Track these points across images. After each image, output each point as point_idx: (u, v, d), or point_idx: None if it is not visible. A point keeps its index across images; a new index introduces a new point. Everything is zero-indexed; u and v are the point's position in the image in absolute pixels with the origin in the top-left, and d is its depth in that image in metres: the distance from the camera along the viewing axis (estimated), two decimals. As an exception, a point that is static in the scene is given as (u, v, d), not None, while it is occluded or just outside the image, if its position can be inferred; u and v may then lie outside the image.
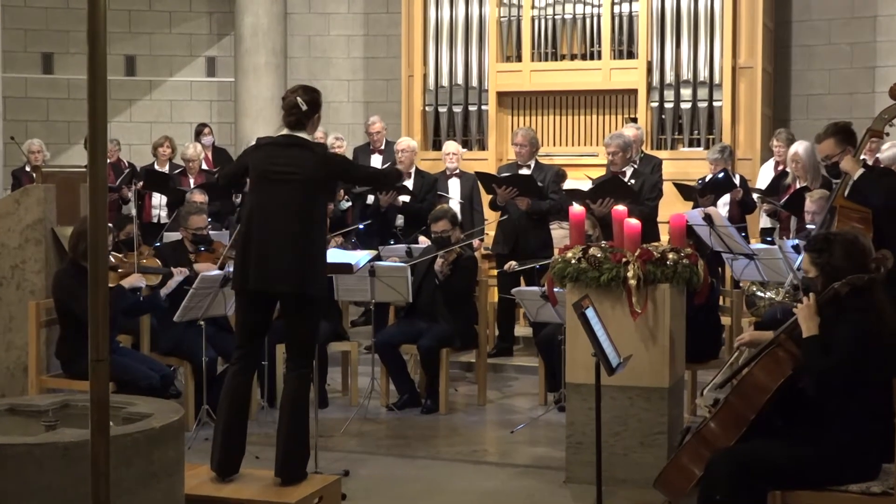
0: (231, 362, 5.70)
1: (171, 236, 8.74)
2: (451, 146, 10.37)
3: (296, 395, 5.53)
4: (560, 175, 10.39)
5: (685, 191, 9.67)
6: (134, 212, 9.34)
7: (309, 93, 5.64)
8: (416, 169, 10.11)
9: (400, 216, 9.86)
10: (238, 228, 5.80)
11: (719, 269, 9.00)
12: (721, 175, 9.67)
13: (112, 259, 7.08)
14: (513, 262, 8.87)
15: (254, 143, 5.90)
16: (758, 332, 5.04)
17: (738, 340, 5.01)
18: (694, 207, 9.23)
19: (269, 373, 7.48)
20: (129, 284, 6.91)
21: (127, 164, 12.20)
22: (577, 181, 10.64)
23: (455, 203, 9.96)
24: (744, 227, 9.46)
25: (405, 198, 9.75)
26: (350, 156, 11.32)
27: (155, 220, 11.21)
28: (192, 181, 11.10)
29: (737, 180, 9.90)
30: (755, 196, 9.87)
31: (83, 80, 3.54)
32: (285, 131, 5.63)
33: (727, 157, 10.02)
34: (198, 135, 12.67)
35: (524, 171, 9.31)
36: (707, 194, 9.40)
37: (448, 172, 10.23)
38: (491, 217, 9.75)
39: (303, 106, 5.55)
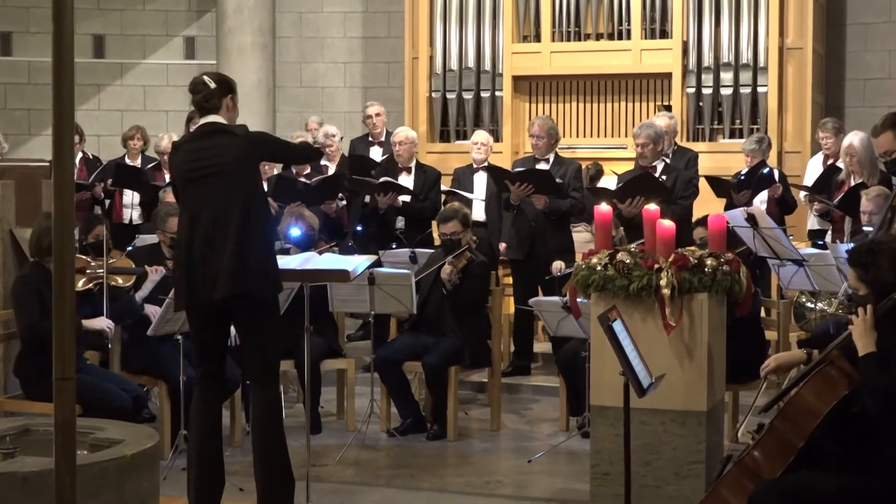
0: (194, 384, 5.74)
1: (148, 240, 8.74)
2: (480, 135, 10.34)
3: (265, 419, 5.56)
4: (597, 171, 10.41)
5: (719, 186, 9.64)
6: (100, 210, 9.38)
7: (218, 74, 5.84)
8: (417, 163, 10.11)
9: (400, 218, 9.87)
10: (175, 242, 5.87)
11: (759, 274, 8.96)
12: (766, 170, 9.65)
13: (78, 261, 7.10)
14: (560, 263, 8.82)
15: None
16: (784, 354, 5.04)
17: (762, 369, 4.99)
18: (728, 206, 9.23)
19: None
20: (93, 326, 6.91)
21: (91, 157, 12.21)
22: (608, 177, 10.65)
23: (478, 201, 9.95)
24: (787, 228, 9.43)
25: (405, 197, 9.76)
26: (346, 149, 11.34)
27: (126, 221, 11.23)
28: (167, 177, 11.10)
29: (774, 174, 9.89)
30: (802, 195, 9.86)
31: (46, 63, 3.55)
32: (200, 121, 5.68)
33: (766, 147, 10.01)
34: (188, 122, 12.66)
35: (542, 166, 9.32)
36: (744, 189, 9.37)
37: (475, 165, 10.21)
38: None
39: (210, 83, 5.62)
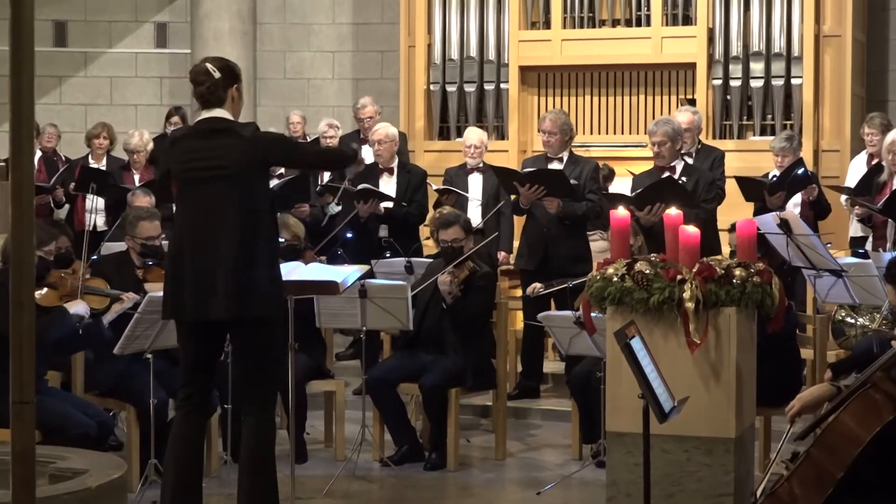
0: (177, 405, 5.75)
1: (114, 248, 8.74)
2: (473, 135, 10.38)
3: (256, 445, 5.58)
4: (609, 171, 10.42)
5: (750, 188, 9.62)
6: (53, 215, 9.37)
7: (222, 61, 5.77)
8: (400, 163, 10.12)
9: (383, 226, 9.85)
10: (168, 246, 5.88)
11: (793, 286, 8.95)
12: (801, 170, 9.64)
13: (52, 275, 7.10)
14: (537, 285, 8.84)
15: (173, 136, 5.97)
16: (809, 392, 5.00)
17: (787, 412, 4.98)
18: (758, 210, 9.22)
19: (233, 418, 7.47)
20: (73, 310, 6.93)
21: (65, 160, 12.22)
22: (621, 178, 10.65)
23: (474, 205, 9.96)
24: (825, 235, 9.41)
25: (388, 204, 9.76)
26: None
27: (90, 228, 11.22)
28: (136, 178, 11.11)
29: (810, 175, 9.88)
30: (843, 198, 9.86)
31: (2, 52, 3.54)
32: (201, 115, 5.67)
33: (796, 145, 10.01)
34: (168, 118, 12.68)
35: (554, 166, 9.33)
36: (778, 191, 9.36)
37: (469, 167, 10.24)
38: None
39: (214, 73, 5.60)
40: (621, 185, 9.98)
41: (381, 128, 10.18)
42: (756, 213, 9.06)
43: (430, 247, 10.24)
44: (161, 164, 5.95)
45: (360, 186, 9.72)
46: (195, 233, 5.54)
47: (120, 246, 8.40)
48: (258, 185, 5.60)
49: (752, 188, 9.60)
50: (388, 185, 9.93)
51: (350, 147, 6.41)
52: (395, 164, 10.05)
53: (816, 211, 9.77)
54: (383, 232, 9.89)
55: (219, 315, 5.48)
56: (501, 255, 9.94)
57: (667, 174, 8.86)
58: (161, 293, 6.83)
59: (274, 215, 5.80)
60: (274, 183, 9.87)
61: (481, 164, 10.25)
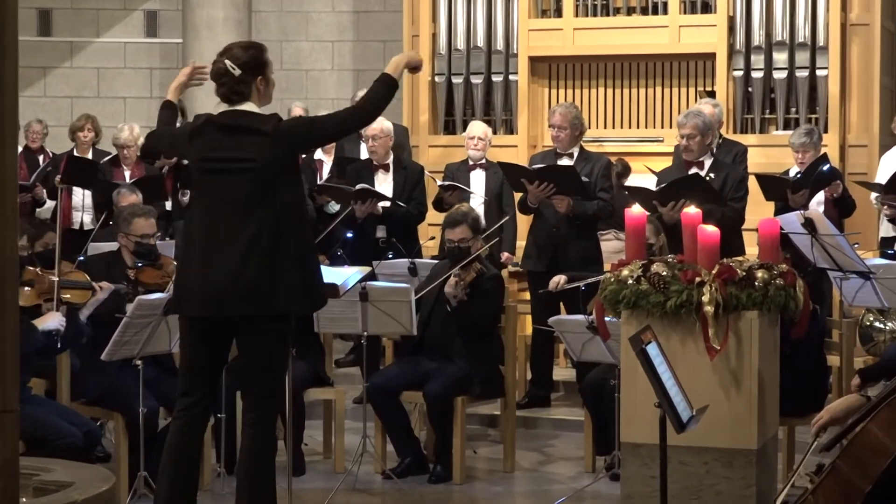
0: (174, 415, 5.74)
1: (102, 247, 8.74)
2: (476, 128, 10.39)
3: (258, 455, 5.58)
4: (623, 167, 10.40)
5: (771, 186, 9.61)
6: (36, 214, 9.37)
7: (244, 50, 5.73)
8: (395, 159, 10.10)
9: (381, 227, 9.84)
10: (178, 239, 5.88)
11: (818, 289, 8.95)
12: (826, 167, 9.64)
13: (26, 273, 7.11)
14: (562, 277, 8.77)
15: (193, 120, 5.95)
16: (837, 404, 5.00)
17: (813, 424, 4.98)
18: (779, 209, 9.21)
19: (227, 429, 7.49)
20: (44, 326, 6.92)
21: (51, 155, 12.23)
22: (637, 175, 10.65)
23: (476, 202, 9.96)
24: (852, 235, 9.39)
25: (385, 203, 9.75)
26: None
27: (76, 227, 11.24)
28: (127, 174, 11.12)
29: (835, 171, 9.87)
30: (873, 196, 9.85)
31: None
32: (224, 107, 5.68)
33: (817, 140, 10.00)
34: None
35: (564, 162, 9.33)
36: (802, 188, 9.36)
37: (472, 162, 10.24)
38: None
39: (234, 70, 5.61)
40: (638, 182, 9.95)
41: (375, 123, 10.14)
42: (777, 213, 9.05)
43: (430, 248, 10.26)
44: (184, 157, 5.88)
45: (357, 186, 9.71)
46: (210, 222, 5.56)
47: (107, 246, 8.40)
48: (285, 178, 5.60)
49: (774, 186, 9.59)
50: (384, 183, 9.92)
51: (375, 96, 5.96)
52: (390, 161, 10.03)
53: (841, 209, 9.75)
54: (381, 232, 9.87)
55: (243, 310, 5.49)
56: (505, 255, 9.93)
57: (693, 170, 8.83)
58: (153, 296, 6.88)
59: (303, 209, 5.80)
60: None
61: (484, 160, 10.24)
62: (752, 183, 9.56)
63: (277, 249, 5.50)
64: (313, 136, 5.88)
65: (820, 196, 9.67)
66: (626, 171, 10.66)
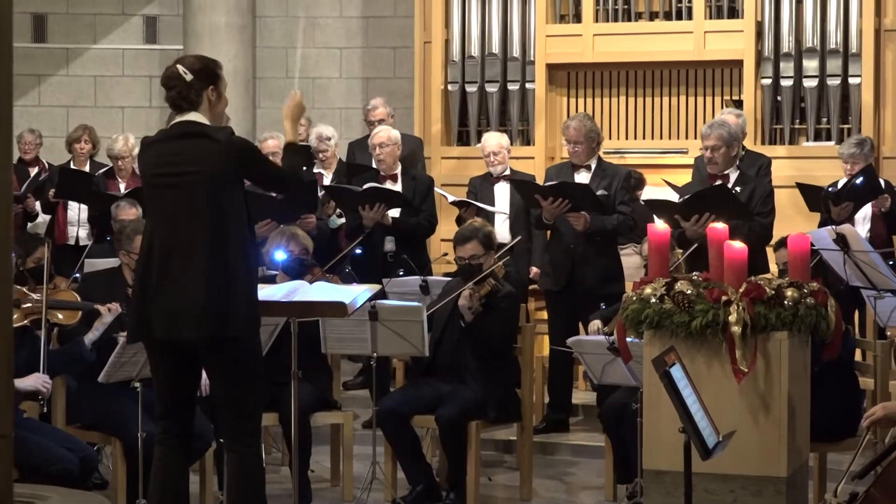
0: (157, 438, 5.79)
1: (97, 264, 8.75)
2: (490, 142, 10.35)
3: (243, 482, 5.61)
4: (637, 180, 10.37)
5: (811, 196, 9.59)
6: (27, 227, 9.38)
7: (199, 59, 5.83)
8: (403, 169, 10.09)
9: (389, 239, 9.83)
10: (137, 259, 5.94)
11: (851, 309, 8.94)
12: (861, 178, 9.61)
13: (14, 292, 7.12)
14: (597, 323, 8.55)
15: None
16: (894, 403, 5.01)
17: (866, 418, 4.98)
18: (823, 221, 9.20)
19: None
20: (25, 387, 6.91)
21: (46, 166, 12.25)
22: (655, 188, 10.63)
23: (500, 219, 9.95)
24: (892, 251, 9.38)
25: (394, 213, 9.74)
26: (344, 153, 11.36)
27: (72, 242, 11.25)
28: (122, 186, 11.14)
29: (881, 183, 9.85)
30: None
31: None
32: (175, 119, 5.74)
33: (868, 151, 9.99)
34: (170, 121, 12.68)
35: (581, 175, 9.32)
36: (843, 202, 9.32)
37: (494, 175, 10.24)
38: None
39: (186, 75, 5.66)
40: (654, 194, 9.95)
41: (381, 130, 10.15)
42: (821, 226, 9.01)
43: (442, 264, 10.24)
44: (139, 173, 6.01)
45: (365, 186, 9.69)
46: (160, 242, 5.63)
47: (103, 263, 8.42)
48: (230, 192, 5.66)
49: (813, 196, 9.55)
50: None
51: (287, 167, 6.07)
52: (398, 171, 10.04)
53: (890, 224, 9.70)
54: (390, 245, 9.87)
55: (188, 335, 5.54)
56: (534, 270, 9.90)
57: (718, 183, 8.81)
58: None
59: (250, 226, 5.84)
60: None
61: (508, 171, 10.22)
62: (780, 198, 9.55)
63: (223, 268, 5.56)
64: (257, 166, 5.89)
65: (866, 210, 9.63)
66: (641, 183, 10.61)
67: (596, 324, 8.41)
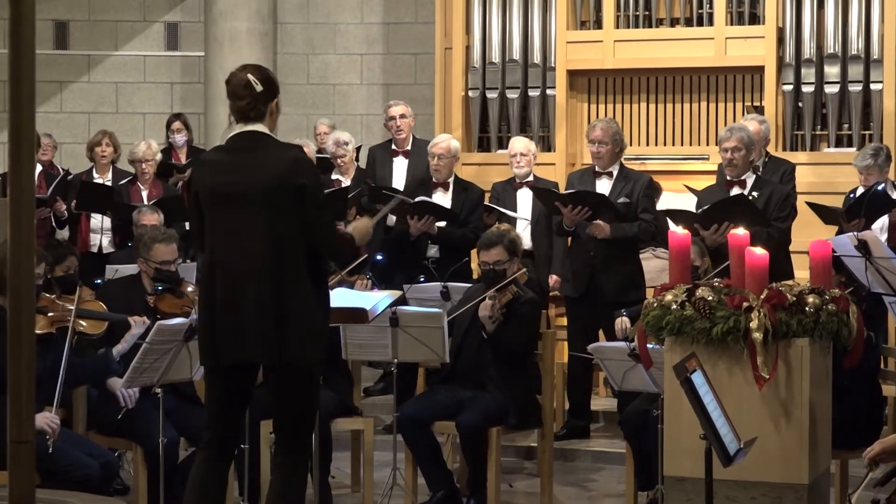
0: (199, 446, 5.77)
1: (121, 271, 8.75)
2: (518, 144, 10.37)
3: (286, 491, 5.60)
4: (654, 188, 10.36)
5: (825, 214, 9.59)
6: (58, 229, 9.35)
7: (261, 70, 5.77)
8: (456, 179, 10.13)
9: (433, 246, 9.85)
10: (198, 277, 5.92)
11: (874, 316, 8.90)
12: (881, 187, 9.59)
13: (42, 300, 7.14)
14: (626, 320, 8.47)
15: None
16: (892, 437, 4.99)
17: (865, 455, 4.96)
18: (840, 232, 9.18)
19: (251, 461, 7.50)
20: (38, 427, 6.80)
21: (61, 170, 12.27)
22: (675, 193, 10.62)
23: (522, 225, 9.94)
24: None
25: (441, 224, 9.76)
26: (364, 160, 11.35)
27: (94, 250, 11.26)
28: (144, 194, 11.15)
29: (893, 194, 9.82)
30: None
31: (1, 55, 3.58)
32: (237, 128, 5.70)
33: (883, 161, 9.95)
34: (169, 124, 12.74)
35: (603, 181, 9.32)
36: (855, 218, 9.30)
37: (518, 181, 10.24)
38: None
39: (257, 85, 5.63)
40: (672, 201, 9.93)
41: (441, 141, 10.19)
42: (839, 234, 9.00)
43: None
44: (194, 190, 5.87)
45: (416, 199, 9.71)
46: (223, 260, 5.61)
47: (126, 270, 8.42)
48: (291, 210, 5.59)
49: (827, 214, 9.55)
50: (441, 202, 9.93)
51: (341, 240, 5.94)
52: (451, 181, 10.06)
53: None
54: (433, 251, 9.89)
55: (257, 360, 5.61)
56: (553, 278, 9.89)
57: (736, 189, 8.81)
58: (173, 321, 6.91)
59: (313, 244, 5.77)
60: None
61: (531, 177, 10.21)
62: (800, 204, 9.53)
63: (291, 293, 5.54)
64: (313, 210, 5.69)
65: (883, 221, 9.60)
66: (657, 190, 10.56)
67: (624, 321, 8.40)
